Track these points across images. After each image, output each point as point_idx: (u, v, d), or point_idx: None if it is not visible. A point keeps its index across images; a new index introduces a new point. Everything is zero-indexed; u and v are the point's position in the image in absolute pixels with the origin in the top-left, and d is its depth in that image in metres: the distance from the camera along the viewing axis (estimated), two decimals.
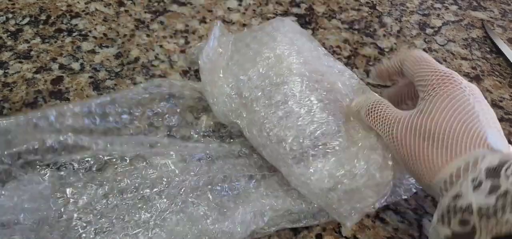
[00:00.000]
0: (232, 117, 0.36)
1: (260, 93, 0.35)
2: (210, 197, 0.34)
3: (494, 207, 0.22)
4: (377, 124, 0.31)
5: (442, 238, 0.25)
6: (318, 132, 0.33)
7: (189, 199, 0.34)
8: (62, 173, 0.34)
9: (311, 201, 0.33)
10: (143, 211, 0.33)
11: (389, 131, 0.30)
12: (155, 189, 0.34)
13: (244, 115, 0.35)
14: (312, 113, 0.33)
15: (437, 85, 0.29)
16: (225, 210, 0.33)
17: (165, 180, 0.35)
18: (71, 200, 0.33)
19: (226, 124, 0.38)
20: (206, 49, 0.38)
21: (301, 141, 0.32)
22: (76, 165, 0.35)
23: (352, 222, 0.32)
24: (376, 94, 0.35)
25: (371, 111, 0.32)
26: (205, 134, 0.38)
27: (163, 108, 0.39)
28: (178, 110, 0.39)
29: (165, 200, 0.34)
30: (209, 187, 0.34)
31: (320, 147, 0.32)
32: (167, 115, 0.39)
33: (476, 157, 0.25)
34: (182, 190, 0.34)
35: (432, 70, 0.30)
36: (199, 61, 0.38)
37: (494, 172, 0.23)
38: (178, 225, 0.32)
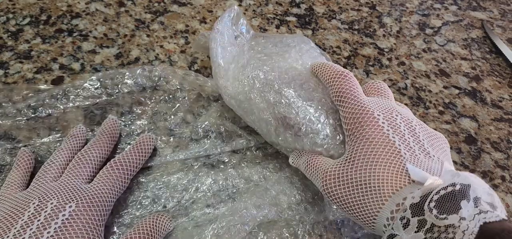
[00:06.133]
0: (239, 91, 0.36)
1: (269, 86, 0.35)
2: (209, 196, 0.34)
3: None
4: (313, 178, 0.32)
5: None
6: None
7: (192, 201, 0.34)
8: None
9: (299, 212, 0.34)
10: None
11: (322, 184, 0.31)
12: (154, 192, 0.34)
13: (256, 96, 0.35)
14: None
15: (356, 129, 0.30)
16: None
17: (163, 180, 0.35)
18: None
19: (231, 101, 0.37)
20: (219, 24, 0.38)
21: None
22: None
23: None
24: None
25: (308, 167, 0.33)
26: (204, 133, 0.39)
27: (163, 107, 0.40)
28: (178, 109, 0.40)
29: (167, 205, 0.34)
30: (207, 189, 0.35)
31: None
32: (166, 114, 0.39)
33: (403, 196, 0.26)
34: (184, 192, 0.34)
35: (350, 109, 0.31)
36: (211, 35, 0.38)
37: (418, 208, 0.24)
38: (182, 229, 0.32)
